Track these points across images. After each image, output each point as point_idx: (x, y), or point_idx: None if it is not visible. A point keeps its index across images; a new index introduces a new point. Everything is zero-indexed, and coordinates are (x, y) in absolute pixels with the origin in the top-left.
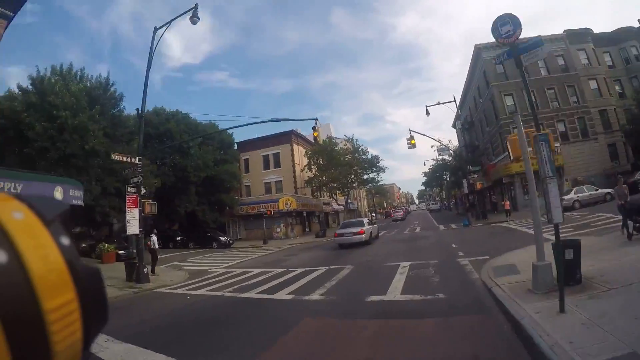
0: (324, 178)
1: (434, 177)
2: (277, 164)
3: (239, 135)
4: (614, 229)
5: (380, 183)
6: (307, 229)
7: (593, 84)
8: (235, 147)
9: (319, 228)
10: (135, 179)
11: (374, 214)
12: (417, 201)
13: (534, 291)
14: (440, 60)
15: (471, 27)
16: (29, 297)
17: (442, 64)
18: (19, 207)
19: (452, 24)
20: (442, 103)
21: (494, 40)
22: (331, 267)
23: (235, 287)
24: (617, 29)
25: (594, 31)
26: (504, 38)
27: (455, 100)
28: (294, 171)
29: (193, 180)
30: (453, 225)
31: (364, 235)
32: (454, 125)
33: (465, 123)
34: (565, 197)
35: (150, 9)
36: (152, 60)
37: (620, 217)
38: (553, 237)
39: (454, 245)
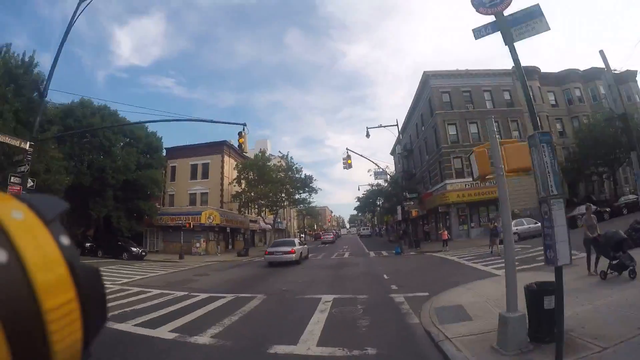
0: (252, 194)
1: (367, 203)
2: (205, 175)
3: (170, 141)
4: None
5: (313, 204)
6: (231, 246)
7: None
8: (164, 153)
9: (243, 246)
10: (22, 168)
11: (303, 235)
12: (348, 225)
13: (501, 351)
14: (385, 91)
15: (418, 62)
16: (28, 297)
17: (387, 95)
18: (19, 206)
19: (401, 58)
20: (385, 126)
21: (443, 69)
22: (241, 295)
23: (117, 312)
24: (563, 71)
25: (541, 70)
26: (489, 7)
27: (397, 125)
28: (222, 184)
29: (111, 183)
30: (384, 253)
31: (294, 255)
32: (392, 152)
33: (404, 150)
34: None
35: (106, 3)
36: (69, 32)
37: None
38: (499, 272)
39: (386, 277)
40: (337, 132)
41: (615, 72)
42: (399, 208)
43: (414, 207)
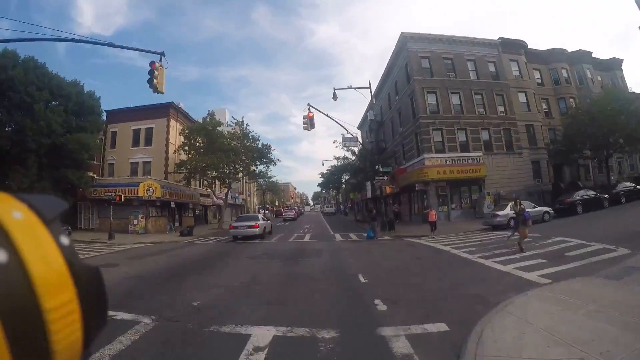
0: (199, 164)
1: (331, 179)
2: (149, 142)
3: (111, 103)
4: (610, 263)
5: (274, 179)
6: (178, 224)
7: (522, 97)
8: (104, 116)
9: (191, 224)
10: None
11: (266, 211)
12: (312, 202)
13: None
14: (352, 72)
15: (386, 45)
16: (28, 297)
17: (353, 76)
18: (18, 206)
19: (369, 40)
20: (355, 88)
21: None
22: (119, 315)
23: None
24: (550, 49)
25: (528, 46)
26: None
27: (370, 87)
28: (167, 152)
29: (32, 148)
30: (353, 236)
31: (257, 229)
32: (360, 127)
33: (373, 123)
34: (500, 213)
35: None
36: None
37: None
38: (533, 277)
39: (362, 279)
40: (302, 109)
41: (599, 59)
42: (368, 184)
43: (387, 182)
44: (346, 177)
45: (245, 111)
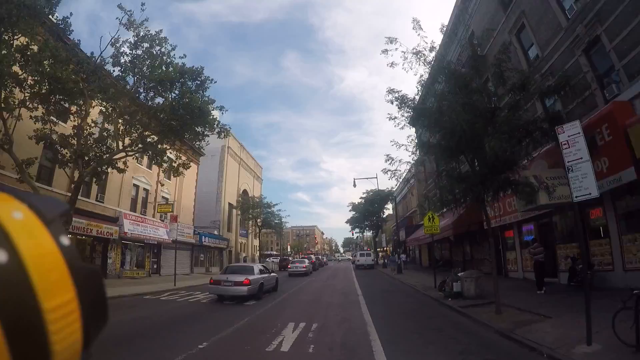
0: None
1: (368, 211)
2: None
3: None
4: None
5: (276, 209)
6: None
7: None
8: None
9: None
10: None
11: (271, 259)
12: (342, 250)
13: None
14: (382, 117)
15: (414, 91)
16: (28, 297)
17: (383, 121)
18: (18, 206)
19: (398, 85)
20: None
21: None
22: None
23: None
24: None
25: None
26: None
27: None
28: None
29: None
30: None
31: (246, 288)
32: (413, 123)
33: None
34: None
35: (108, 13)
36: None
37: None
38: None
39: None
40: (333, 155)
41: None
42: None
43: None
44: (396, 199)
45: (275, 157)
